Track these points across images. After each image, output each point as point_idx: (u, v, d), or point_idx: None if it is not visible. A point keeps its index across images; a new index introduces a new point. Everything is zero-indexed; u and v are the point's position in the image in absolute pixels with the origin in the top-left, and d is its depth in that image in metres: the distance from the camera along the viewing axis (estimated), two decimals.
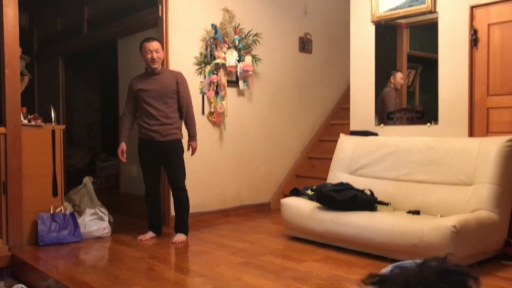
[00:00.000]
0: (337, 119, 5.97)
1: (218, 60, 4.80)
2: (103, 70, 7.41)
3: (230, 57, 4.90)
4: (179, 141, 3.94)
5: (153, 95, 3.84)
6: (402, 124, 4.23)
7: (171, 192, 4.11)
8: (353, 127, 4.55)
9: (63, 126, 4.10)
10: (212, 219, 4.79)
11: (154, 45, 3.86)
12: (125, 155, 3.97)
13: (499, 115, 3.61)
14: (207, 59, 4.76)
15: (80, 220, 3.99)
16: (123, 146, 3.96)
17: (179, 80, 3.92)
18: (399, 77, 4.32)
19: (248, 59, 5.04)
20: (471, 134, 3.75)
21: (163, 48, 4.37)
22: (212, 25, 4.79)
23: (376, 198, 3.66)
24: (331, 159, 4.39)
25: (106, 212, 4.24)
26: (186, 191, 3.96)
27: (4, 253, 3.58)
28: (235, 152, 5.11)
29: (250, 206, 5.25)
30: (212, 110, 4.83)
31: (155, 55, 3.84)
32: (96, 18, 5.86)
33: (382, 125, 4.33)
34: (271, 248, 3.66)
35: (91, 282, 2.84)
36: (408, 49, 4.32)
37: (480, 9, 3.68)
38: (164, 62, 4.32)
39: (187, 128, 4.01)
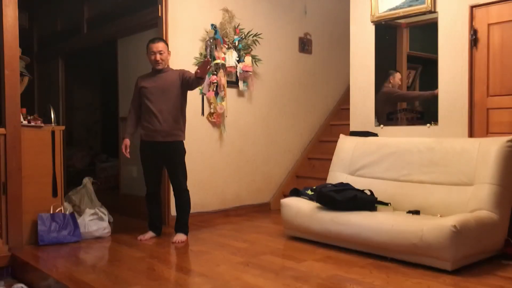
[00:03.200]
0: (337, 120, 5.97)
1: (218, 61, 4.80)
2: (103, 70, 7.40)
3: (230, 58, 4.90)
4: (181, 143, 3.93)
5: (155, 91, 3.84)
6: (402, 125, 4.23)
7: (171, 192, 4.12)
8: (353, 127, 4.56)
9: (63, 127, 4.10)
10: (212, 219, 4.79)
11: (159, 46, 3.86)
12: (128, 150, 3.95)
13: (499, 116, 3.61)
14: None
15: (80, 220, 3.99)
16: (126, 141, 3.96)
17: (181, 73, 3.91)
18: (398, 78, 4.33)
19: (248, 59, 5.04)
20: (471, 134, 3.75)
21: None
22: (212, 25, 4.79)
23: (376, 198, 3.66)
24: (331, 159, 4.39)
25: (106, 212, 4.24)
26: (188, 191, 3.97)
27: (4, 253, 3.58)
28: (235, 152, 5.11)
29: (250, 206, 5.25)
30: (212, 110, 4.83)
31: (158, 56, 3.84)
32: (96, 18, 5.86)
33: (382, 125, 4.33)
34: (271, 247, 3.66)
35: (91, 282, 2.84)
36: (408, 49, 4.32)
37: (480, 9, 3.69)
38: None
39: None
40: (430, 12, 3.97)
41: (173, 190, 4.01)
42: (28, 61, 4.15)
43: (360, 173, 4.09)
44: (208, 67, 3.69)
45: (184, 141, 4.00)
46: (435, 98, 3.95)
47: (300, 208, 3.80)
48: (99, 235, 4.04)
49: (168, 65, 3.97)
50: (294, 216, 3.83)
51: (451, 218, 3.00)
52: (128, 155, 3.96)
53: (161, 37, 4.06)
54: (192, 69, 4.67)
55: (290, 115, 5.66)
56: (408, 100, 4.34)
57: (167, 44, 3.98)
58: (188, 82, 3.84)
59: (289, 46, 5.61)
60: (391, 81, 4.34)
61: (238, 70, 4.99)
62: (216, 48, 4.81)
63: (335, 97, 6.16)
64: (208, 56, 4.75)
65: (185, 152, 3.97)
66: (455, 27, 3.81)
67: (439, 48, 3.92)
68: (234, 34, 4.98)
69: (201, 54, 4.75)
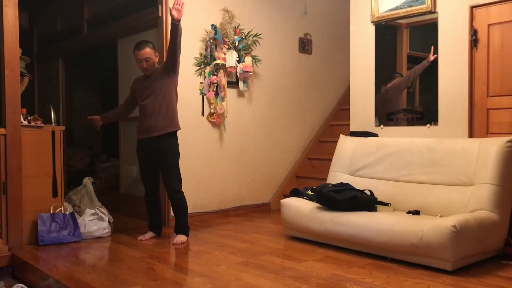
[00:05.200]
0: (337, 120, 5.98)
1: (218, 61, 4.80)
2: (103, 70, 7.40)
3: (230, 58, 4.90)
4: (173, 136, 3.88)
5: (145, 90, 3.85)
6: (402, 125, 4.23)
7: None
8: (353, 128, 4.56)
9: (63, 127, 4.10)
10: (212, 219, 4.80)
11: (145, 53, 3.78)
12: (95, 123, 4.10)
13: (499, 116, 3.62)
14: (207, 60, 4.77)
15: (80, 220, 3.99)
16: (97, 117, 4.09)
17: (164, 62, 3.91)
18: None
19: (248, 59, 5.04)
20: (471, 135, 3.75)
21: (162, 50, 4.38)
22: (212, 25, 4.80)
23: (376, 198, 3.66)
24: (331, 159, 4.39)
25: (106, 212, 4.23)
26: (181, 193, 3.90)
27: (4, 253, 3.58)
28: (235, 152, 5.12)
29: (250, 206, 5.25)
30: (212, 111, 4.83)
31: (145, 64, 3.81)
32: (96, 18, 5.87)
33: (382, 126, 4.34)
34: (271, 248, 3.66)
35: (91, 282, 2.84)
36: (408, 50, 4.32)
37: (480, 9, 3.69)
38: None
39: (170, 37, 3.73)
40: (430, 12, 3.97)
41: (167, 192, 3.98)
42: (28, 61, 4.15)
43: (360, 173, 4.10)
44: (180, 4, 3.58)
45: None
46: (430, 66, 3.97)
47: (300, 208, 3.80)
48: (99, 235, 4.04)
49: (156, 66, 3.92)
50: (294, 216, 3.83)
51: (451, 218, 3.00)
52: (92, 121, 4.09)
53: (146, 40, 3.94)
54: (192, 69, 4.69)
55: (290, 115, 5.66)
56: (404, 84, 4.30)
57: (154, 47, 3.89)
58: (169, 51, 3.76)
59: (289, 46, 5.61)
60: (395, 83, 4.32)
61: (238, 70, 4.99)
62: (216, 48, 4.81)
63: (335, 98, 6.16)
64: (209, 57, 4.76)
65: (179, 153, 3.94)
66: (455, 27, 3.82)
67: (439, 48, 3.92)
68: (234, 35, 4.98)
69: (201, 54, 4.75)
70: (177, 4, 3.59)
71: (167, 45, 4.45)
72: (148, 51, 3.81)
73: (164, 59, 4.07)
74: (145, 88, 3.87)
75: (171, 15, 3.60)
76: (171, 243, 3.84)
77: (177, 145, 3.92)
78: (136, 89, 3.96)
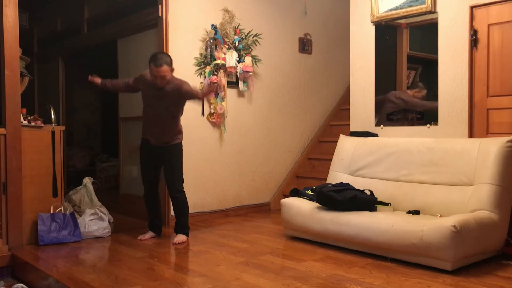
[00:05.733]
0: (337, 120, 5.98)
1: (218, 61, 4.80)
2: (103, 70, 7.39)
3: (230, 58, 4.90)
4: (176, 146, 3.91)
5: (155, 97, 3.79)
6: (402, 125, 4.23)
7: None
8: (353, 128, 4.56)
9: (63, 127, 4.10)
10: (212, 219, 4.80)
11: (162, 71, 3.62)
12: (95, 81, 4.01)
13: (499, 116, 3.62)
14: (207, 60, 4.77)
15: (80, 220, 3.99)
16: (98, 78, 4.02)
17: (179, 87, 3.74)
18: (419, 93, 4.26)
19: (248, 59, 5.04)
20: (471, 135, 3.75)
21: (162, 49, 4.38)
22: (212, 25, 4.80)
23: (376, 198, 3.66)
24: (331, 159, 4.39)
25: (106, 212, 4.24)
26: (183, 192, 3.91)
27: (4, 252, 3.58)
28: (235, 152, 5.12)
29: (250, 206, 5.25)
30: (212, 111, 4.83)
31: (159, 82, 3.68)
32: (96, 18, 5.86)
33: (382, 125, 4.34)
34: (271, 248, 3.66)
35: (91, 282, 2.84)
36: (408, 50, 4.32)
37: (480, 9, 3.69)
38: None
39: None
40: (430, 12, 3.97)
41: (169, 191, 3.98)
42: (28, 61, 4.15)
43: (360, 173, 4.10)
44: (213, 91, 3.68)
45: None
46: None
47: (300, 208, 3.81)
48: (99, 235, 4.04)
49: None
50: (294, 216, 3.83)
51: (451, 218, 3.00)
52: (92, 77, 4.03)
53: (165, 54, 3.82)
54: (193, 69, 4.68)
55: (290, 115, 5.66)
56: (419, 108, 4.19)
57: (171, 63, 3.72)
58: (186, 98, 3.86)
59: (289, 46, 5.61)
60: (415, 94, 4.25)
61: (238, 70, 4.99)
62: (216, 48, 4.81)
63: (335, 98, 6.16)
64: (209, 57, 4.76)
65: (182, 153, 3.94)
66: (455, 27, 3.82)
67: (439, 48, 3.92)
68: (234, 35, 4.98)
69: (201, 54, 4.75)
70: (212, 90, 3.58)
71: (167, 45, 4.47)
72: (165, 69, 3.63)
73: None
74: (155, 98, 3.78)
75: (201, 94, 3.78)
76: (171, 243, 3.84)
77: (181, 145, 3.94)
78: (145, 93, 3.86)
